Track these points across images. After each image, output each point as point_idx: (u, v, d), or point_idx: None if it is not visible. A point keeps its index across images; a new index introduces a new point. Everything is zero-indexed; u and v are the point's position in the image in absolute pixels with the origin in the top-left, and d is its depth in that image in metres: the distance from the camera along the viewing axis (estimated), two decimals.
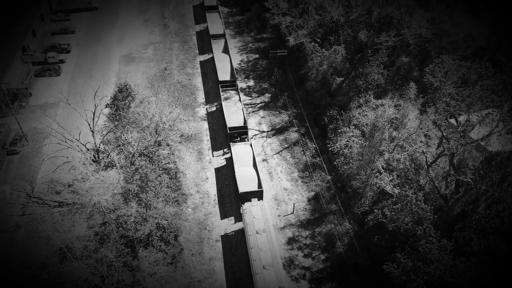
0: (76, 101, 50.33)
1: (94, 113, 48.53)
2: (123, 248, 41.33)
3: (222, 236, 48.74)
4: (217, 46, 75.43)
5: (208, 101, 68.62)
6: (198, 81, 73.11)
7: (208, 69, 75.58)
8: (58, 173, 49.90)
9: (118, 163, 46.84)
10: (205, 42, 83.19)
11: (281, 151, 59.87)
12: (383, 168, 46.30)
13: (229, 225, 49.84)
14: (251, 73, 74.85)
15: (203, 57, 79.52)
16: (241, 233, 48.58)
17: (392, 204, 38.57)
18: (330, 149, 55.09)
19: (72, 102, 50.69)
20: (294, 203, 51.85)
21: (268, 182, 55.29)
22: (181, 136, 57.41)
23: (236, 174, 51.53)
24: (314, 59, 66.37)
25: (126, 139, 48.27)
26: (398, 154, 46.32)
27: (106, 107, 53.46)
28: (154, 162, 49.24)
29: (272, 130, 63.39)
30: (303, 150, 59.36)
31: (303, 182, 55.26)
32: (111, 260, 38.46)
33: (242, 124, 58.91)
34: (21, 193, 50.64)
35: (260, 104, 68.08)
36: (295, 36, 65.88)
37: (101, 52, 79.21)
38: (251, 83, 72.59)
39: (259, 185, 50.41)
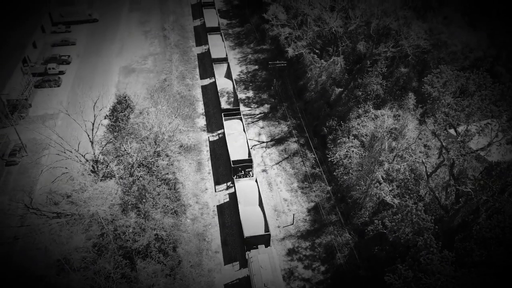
0: (76, 112, 50.32)
1: (93, 124, 48.48)
2: (121, 259, 40.96)
3: (221, 247, 48.39)
4: (220, 71, 72.36)
5: (209, 126, 65.90)
6: (198, 92, 73.34)
7: (210, 95, 72.52)
8: (56, 184, 49.58)
9: (117, 174, 46.67)
10: (205, 63, 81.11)
11: (281, 161, 59.77)
12: (382, 179, 46.19)
13: (233, 272, 46.47)
14: (251, 84, 75.15)
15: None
16: (246, 280, 45.55)
17: (392, 214, 38.38)
18: (330, 159, 54.99)
19: (71, 113, 50.67)
20: (293, 214, 51.56)
21: (267, 192, 55.07)
22: (181, 146, 57.32)
23: (240, 215, 47.52)
24: (313, 70, 66.71)
25: (125, 150, 48.17)
26: (397, 164, 46.24)
27: (105, 118, 53.48)
28: (153, 172, 49.08)
29: (271, 140, 63.37)
30: (302, 161, 59.27)
31: (302, 192, 55.05)
32: (109, 272, 38.09)
33: (247, 157, 55.53)
34: (19, 204, 50.32)
35: (260, 115, 68.20)
36: (294, 47, 66.26)
37: (101, 64, 79.59)
38: (250, 94, 72.82)
39: (266, 228, 46.78)
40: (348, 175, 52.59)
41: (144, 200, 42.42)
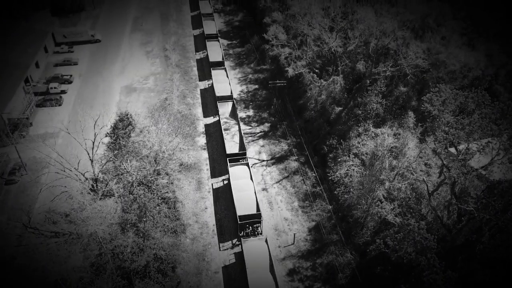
0: (76, 131, 50.48)
1: (93, 142, 48.57)
2: (119, 279, 40.32)
3: (222, 268, 47.64)
4: (224, 110, 68.42)
5: (213, 172, 60.64)
6: (199, 111, 73.68)
7: (213, 137, 67.53)
8: (55, 203, 49.35)
9: (117, 193, 46.42)
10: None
11: (281, 180, 59.51)
12: (384, 197, 45.88)
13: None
14: (251, 103, 75.56)
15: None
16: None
17: (394, 233, 37.92)
18: (330, 178, 54.80)
19: (72, 131, 50.86)
20: (294, 234, 50.98)
21: (268, 212, 54.61)
22: (181, 165, 57.25)
23: (249, 282, 42.94)
24: (312, 89, 67.24)
25: (125, 168, 48.06)
26: (398, 183, 46.02)
27: (106, 136, 53.58)
28: (153, 191, 48.82)
29: (271, 159, 63.26)
30: (303, 179, 59.01)
31: (303, 211, 54.60)
32: None
33: (254, 212, 50.13)
34: (18, 223, 49.87)
35: (260, 133, 68.31)
36: (294, 67, 67.00)
37: (102, 83, 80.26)
38: (250, 112, 73.13)
39: None
40: (348, 194, 52.27)
41: (144, 219, 42.06)
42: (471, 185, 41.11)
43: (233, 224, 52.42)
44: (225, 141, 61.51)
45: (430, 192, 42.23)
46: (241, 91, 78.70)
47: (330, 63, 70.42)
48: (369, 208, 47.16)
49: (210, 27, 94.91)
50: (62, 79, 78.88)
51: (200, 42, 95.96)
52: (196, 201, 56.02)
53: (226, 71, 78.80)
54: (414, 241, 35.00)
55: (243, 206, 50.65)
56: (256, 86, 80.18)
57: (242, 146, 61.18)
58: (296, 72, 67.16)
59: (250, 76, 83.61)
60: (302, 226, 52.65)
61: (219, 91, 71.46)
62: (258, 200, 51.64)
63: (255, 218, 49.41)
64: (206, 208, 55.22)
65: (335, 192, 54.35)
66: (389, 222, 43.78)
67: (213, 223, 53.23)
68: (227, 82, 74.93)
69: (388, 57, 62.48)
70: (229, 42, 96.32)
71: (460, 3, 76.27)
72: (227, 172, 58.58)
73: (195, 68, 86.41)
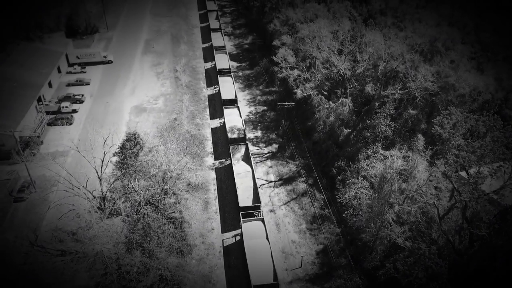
0: (86, 149, 50.87)
1: (102, 161, 48.81)
2: None
3: None
4: (237, 154, 63.75)
5: (224, 229, 54.91)
6: (207, 131, 74.07)
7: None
8: (63, 221, 49.27)
9: (124, 211, 46.29)
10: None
11: (289, 201, 58.99)
12: (393, 221, 45.10)
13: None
14: (259, 124, 75.85)
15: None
16: None
17: (404, 257, 37.09)
18: (339, 200, 54.16)
19: (81, 150, 51.25)
20: (302, 257, 50.13)
21: (275, 234, 53.93)
22: (188, 185, 57.08)
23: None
24: (321, 111, 67.36)
25: (133, 187, 48.06)
26: (408, 206, 45.30)
27: (114, 155, 53.87)
28: (159, 211, 48.61)
29: (279, 180, 62.92)
30: (311, 201, 58.45)
31: (311, 234, 53.83)
32: None
33: (271, 280, 44.32)
34: (24, 241, 49.77)
35: (268, 154, 68.24)
36: (303, 89, 67.39)
37: (113, 103, 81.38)
38: (258, 133, 73.32)
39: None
40: (357, 216, 51.51)
41: (148, 239, 41.73)
42: (483, 209, 40.30)
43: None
44: (238, 190, 56.06)
45: (440, 216, 41.48)
46: (250, 112, 79.16)
47: (338, 85, 70.77)
48: (378, 232, 46.35)
49: (222, 61, 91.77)
50: (74, 98, 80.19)
51: (209, 55, 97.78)
52: (203, 222, 55.62)
53: (239, 109, 74.10)
54: (425, 266, 34.18)
55: (258, 266, 45.49)
56: (265, 108, 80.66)
57: (256, 196, 55.53)
58: (305, 94, 67.52)
59: (258, 97, 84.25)
60: (310, 249, 51.81)
61: (232, 133, 67.09)
62: (275, 266, 45.92)
63: (273, 286, 43.87)
64: (212, 229, 54.73)
65: (344, 214, 53.63)
66: (399, 246, 42.87)
67: (219, 244, 52.64)
68: (240, 122, 69.71)
69: (397, 80, 62.64)
70: (239, 65, 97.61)
71: (468, 28, 76.93)
72: (239, 227, 53.39)
73: (204, 90, 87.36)
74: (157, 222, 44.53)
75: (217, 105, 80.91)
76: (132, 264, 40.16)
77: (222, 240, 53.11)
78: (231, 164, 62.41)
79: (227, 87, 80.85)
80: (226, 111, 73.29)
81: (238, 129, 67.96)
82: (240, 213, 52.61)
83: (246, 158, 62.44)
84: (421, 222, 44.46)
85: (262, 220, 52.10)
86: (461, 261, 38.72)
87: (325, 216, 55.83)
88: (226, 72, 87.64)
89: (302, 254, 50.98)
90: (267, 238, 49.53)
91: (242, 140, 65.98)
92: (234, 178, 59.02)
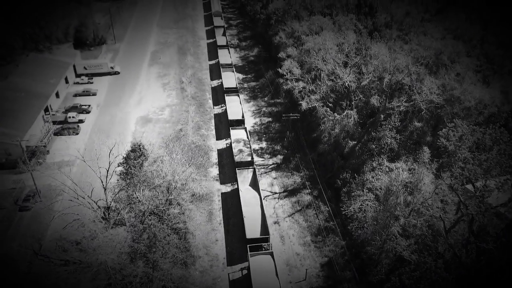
0: (91, 159, 51.13)
1: (107, 171, 49.02)
2: None
3: None
4: (244, 178, 60.24)
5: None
6: (212, 142, 74.24)
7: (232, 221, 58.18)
8: (67, 231, 49.31)
9: (128, 222, 46.30)
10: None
11: (294, 213, 58.70)
12: (399, 234, 44.66)
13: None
14: (264, 135, 75.96)
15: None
16: None
17: (410, 271, 36.64)
18: (344, 212, 53.80)
19: (87, 159, 51.53)
20: (306, 269, 49.67)
21: (280, 246, 53.55)
22: (193, 195, 57.04)
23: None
24: (326, 123, 67.37)
25: (137, 197, 48.14)
26: (414, 219, 44.87)
27: (118, 166, 54.08)
28: (164, 221, 48.55)
29: (284, 191, 62.72)
30: (316, 213, 58.12)
31: (316, 247, 53.41)
32: None
33: None
34: (28, 251, 49.81)
35: (273, 165, 68.16)
36: (308, 100, 67.52)
37: (119, 113, 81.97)
38: (263, 145, 73.36)
39: None
40: (362, 229, 51.09)
41: (153, 249, 41.60)
42: (490, 223, 39.85)
43: None
44: (245, 220, 52.47)
45: (447, 229, 41.05)
46: (255, 123, 79.37)
47: (343, 97, 70.88)
48: (384, 245, 45.88)
49: (229, 79, 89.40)
50: (81, 109, 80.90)
51: (216, 73, 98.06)
52: (207, 233, 55.40)
53: (246, 131, 71.14)
54: (431, 280, 33.74)
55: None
56: (270, 119, 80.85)
57: (265, 228, 52.00)
58: (310, 106, 67.62)
59: (264, 109, 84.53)
60: (315, 262, 51.35)
61: (239, 156, 64.27)
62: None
63: None
64: (216, 241, 54.49)
65: (349, 227, 53.20)
66: (404, 260, 42.39)
67: (223, 256, 52.34)
68: (248, 144, 67.14)
69: (402, 92, 62.65)
70: (244, 76, 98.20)
71: (474, 41, 77.03)
72: (246, 260, 50.05)
73: (210, 101, 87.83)
74: (163, 233, 44.44)
75: (224, 125, 78.21)
76: (135, 275, 39.98)
77: (228, 274, 49.70)
78: (237, 189, 59.51)
79: (234, 107, 78.15)
80: (233, 132, 70.60)
81: (245, 153, 64.94)
82: (248, 246, 49.35)
83: (254, 183, 59.42)
84: (427, 236, 43.97)
85: (271, 254, 48.26)
86: (468, 275, 38.16)
87: (330, 228, 55.44)
88: (233, 91, 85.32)
89: (307, 266, 50.53)
90: (277, 275, 45.77)
91: (249, 164, 62.95)
92: (240, 206, 55.94)
